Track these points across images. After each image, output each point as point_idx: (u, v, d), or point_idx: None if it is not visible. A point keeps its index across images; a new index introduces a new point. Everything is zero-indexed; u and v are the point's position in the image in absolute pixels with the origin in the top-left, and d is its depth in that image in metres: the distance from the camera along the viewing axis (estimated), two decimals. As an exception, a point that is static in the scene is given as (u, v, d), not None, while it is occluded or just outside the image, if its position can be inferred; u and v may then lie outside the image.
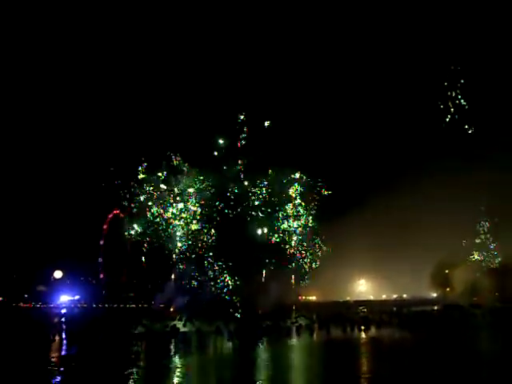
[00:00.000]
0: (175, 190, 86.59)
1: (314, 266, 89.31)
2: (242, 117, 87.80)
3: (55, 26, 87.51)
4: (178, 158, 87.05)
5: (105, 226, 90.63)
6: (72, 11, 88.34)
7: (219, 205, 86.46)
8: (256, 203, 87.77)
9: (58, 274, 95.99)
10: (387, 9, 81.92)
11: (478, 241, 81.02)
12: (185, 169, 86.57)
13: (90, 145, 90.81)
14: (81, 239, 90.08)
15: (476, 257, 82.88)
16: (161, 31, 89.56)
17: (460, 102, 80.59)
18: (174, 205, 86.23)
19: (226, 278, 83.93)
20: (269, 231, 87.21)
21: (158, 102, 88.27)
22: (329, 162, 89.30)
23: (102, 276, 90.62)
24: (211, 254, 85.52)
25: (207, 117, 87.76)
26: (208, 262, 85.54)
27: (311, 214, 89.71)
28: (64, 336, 46.77)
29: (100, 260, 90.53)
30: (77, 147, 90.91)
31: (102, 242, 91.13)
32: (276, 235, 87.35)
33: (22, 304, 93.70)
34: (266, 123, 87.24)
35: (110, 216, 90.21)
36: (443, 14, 78.44)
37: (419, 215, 79.96)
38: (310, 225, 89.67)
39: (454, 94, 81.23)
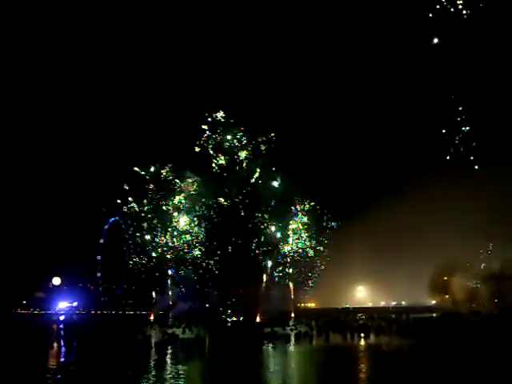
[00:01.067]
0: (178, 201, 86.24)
1: (312, 285, 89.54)
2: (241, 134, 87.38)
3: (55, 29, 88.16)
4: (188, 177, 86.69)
5: (104, 233, 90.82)
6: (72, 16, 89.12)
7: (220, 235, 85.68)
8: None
9: (56, 281, 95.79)
10: (392, 41, 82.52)
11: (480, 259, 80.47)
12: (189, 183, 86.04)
13: (89, 154, 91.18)
14: (79, 246, 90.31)
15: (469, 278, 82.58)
16: (161, 44, 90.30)
17: (463, 131, 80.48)
18: (177, 224, 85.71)
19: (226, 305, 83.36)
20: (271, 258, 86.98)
21: (162, 119, 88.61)
22: (330, 171, 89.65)
23: (100, 282, 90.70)
24: (212, 282, 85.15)
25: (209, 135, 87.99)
26: (208, 290, 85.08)
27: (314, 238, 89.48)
28: (62, 343, 46.65)
29: (98, 267, 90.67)
30: (77, 158, 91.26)
31: (100, 253, 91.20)
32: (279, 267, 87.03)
33: (20, 310, 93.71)
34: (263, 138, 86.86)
35: (110, 222, 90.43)
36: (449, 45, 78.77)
37: (418, 224, 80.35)
38: (314, 247, 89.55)
39: (459, 119, 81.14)
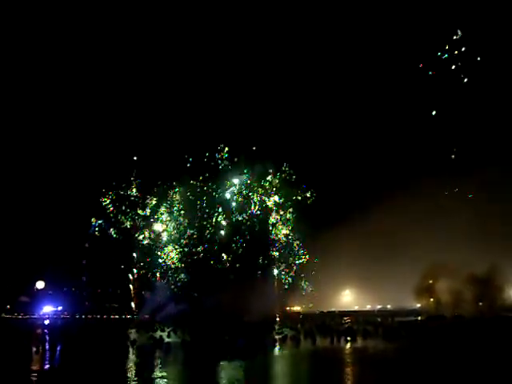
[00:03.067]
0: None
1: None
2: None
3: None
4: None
5: (89, 236, 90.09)
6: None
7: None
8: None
9: (40, 285, 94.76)
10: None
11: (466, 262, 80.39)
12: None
13: (76, 160, 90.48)
14: (64, 250, 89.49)
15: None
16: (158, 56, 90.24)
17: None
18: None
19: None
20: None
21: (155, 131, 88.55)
22: (319, 173, 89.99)
23: (85, 286, 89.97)
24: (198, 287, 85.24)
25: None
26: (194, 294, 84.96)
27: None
28: (47, 347, 46.25)
29: (83, 270, 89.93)
30: (64, 161, 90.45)
31: (85, 256, 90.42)
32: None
33: (4, 315, 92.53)
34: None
35: (95, 225, 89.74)
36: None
37: (405, 227, 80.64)
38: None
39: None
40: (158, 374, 30.88)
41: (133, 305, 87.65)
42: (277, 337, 50.98)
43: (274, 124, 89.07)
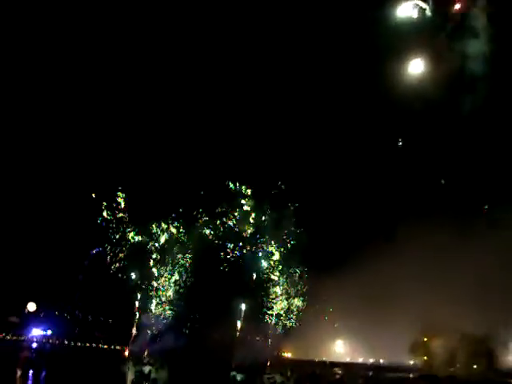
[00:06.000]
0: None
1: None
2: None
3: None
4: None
5: (86, 262, 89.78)
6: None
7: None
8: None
9: (31, 307, 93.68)
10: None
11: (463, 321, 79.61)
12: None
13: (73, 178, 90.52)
14: (60, 272, 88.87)
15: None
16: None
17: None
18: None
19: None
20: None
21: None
22: (310, 220, 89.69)
23: (77, 312, 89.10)
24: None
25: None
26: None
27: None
28: (31, 372, 45.82)
29: (77, 295, 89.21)
30: (60, 180, 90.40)
31: (80, 283, 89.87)
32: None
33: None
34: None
35: (93, 252, 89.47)
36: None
37: (401, 279, 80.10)
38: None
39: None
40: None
41: (125, 335, 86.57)
42: (266, 382, 50.44)
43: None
